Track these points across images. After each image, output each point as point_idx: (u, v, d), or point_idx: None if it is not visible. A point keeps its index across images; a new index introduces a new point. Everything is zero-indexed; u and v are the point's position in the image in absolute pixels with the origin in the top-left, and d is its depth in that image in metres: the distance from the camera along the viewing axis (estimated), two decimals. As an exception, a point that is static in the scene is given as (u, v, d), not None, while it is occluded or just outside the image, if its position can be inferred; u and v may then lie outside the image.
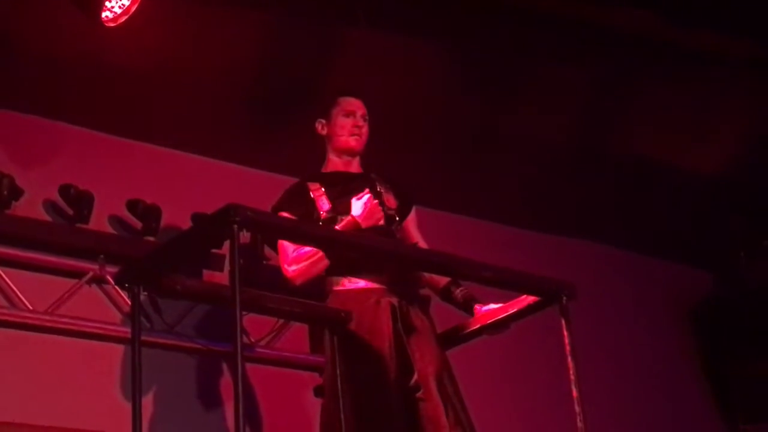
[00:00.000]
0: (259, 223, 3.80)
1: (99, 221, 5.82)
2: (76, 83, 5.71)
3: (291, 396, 6.07)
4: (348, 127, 4.58)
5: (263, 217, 3.74)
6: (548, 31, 5.91)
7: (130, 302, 4.45)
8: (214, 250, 5.66)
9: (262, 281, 5.89)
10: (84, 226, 5.73)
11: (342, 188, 4.50)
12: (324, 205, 4.44)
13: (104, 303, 5.76)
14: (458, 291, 4.43)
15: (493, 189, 6.72)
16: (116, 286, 5.53)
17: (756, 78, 6.62)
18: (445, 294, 4.47)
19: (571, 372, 4.24)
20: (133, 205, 5.91)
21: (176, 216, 5.96)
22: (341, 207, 4.43)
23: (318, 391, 5.94)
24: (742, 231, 7.93)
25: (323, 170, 4.68)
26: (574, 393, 4.19)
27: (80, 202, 5.71)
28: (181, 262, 4.85)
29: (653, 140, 6.97)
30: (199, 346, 5.87)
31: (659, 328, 8.13)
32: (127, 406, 4.16)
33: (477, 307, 4.39)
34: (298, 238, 4.55)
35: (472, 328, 4.38)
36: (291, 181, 6.65)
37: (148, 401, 5.48)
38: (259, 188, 6.33)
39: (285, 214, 4.51)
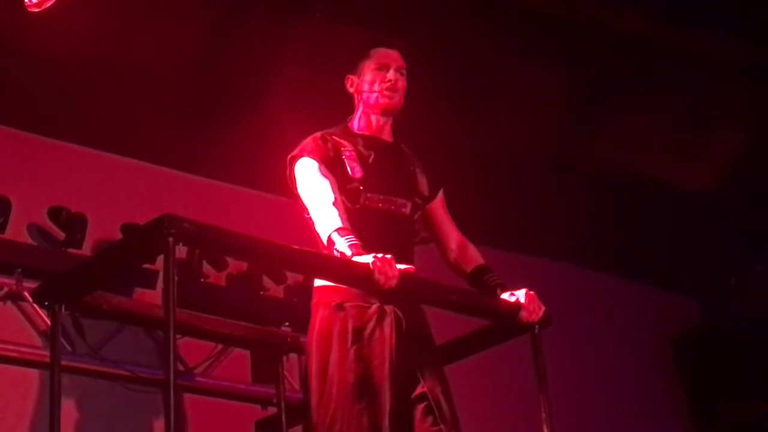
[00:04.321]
0: (197, 236, 3.74)
1: (17, 231, 5.78)
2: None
3: (231, 430, 6.05)
4: (381, 83, 4.38)
5: (202, 230, 3.70)
6: (525, 30, 5.90)
7: (49, 322, 4.39)
8: (146, 266, 5.63)
9: (199, 301, 5.91)
10: (-1, 235, 5.68)
11: (376, 158, 4.34)
12: (356, 171, 4.25)
13: (20, 322, 5.71)
14: (491, 277, 4.39)
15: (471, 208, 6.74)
16: (35, 304, 5.46)
17: (753, 85, 6.67)
18: (473, 278, 4.44)
19: (543, 404, 4.24)
20: (55, 213, 5.88)
21: (104, 226, 5.94)
22: (369, 181, 4.26)
23: (261, 426, 5.94)
24: (733, 254, 7.99)
25: (354, 129, 4.46)
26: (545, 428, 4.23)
27: (-5, 208, 5.66)
28: (108, 279, 4.80)
29: (638, 155, 6.99)
30: (127, 372, 5.83)
31: (641, 358, 8.22)
32: (44, 439, 4.10)
33: (511, 295, 4.34)
34: (247, 255, 4.54)
35: (524, 323, 4.32)
36: (232, 188, 6.71)
37: (67, 433, 5.46)
38: (198, 196, 6.36)
39: (315, 163, 4.26)
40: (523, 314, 4.23)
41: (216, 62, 6.05)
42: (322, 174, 4.24)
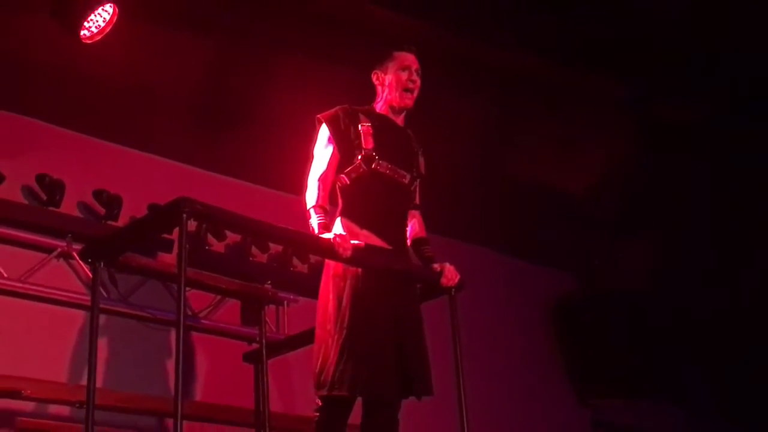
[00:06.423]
0: (205, 214, 3.80)
1: (69, 206, 5.77)
2: (54, 87, 5.64)
3: (225, 360, 6.03)
4: (403, 83, 4.23)
5: (209, 210, 3.73)
6: (442, 66, 5.84)
7: (91, 275, 4.36)
8: (165, 235, 5.62)
9: (204, 263, 5.92)
10: (56, 209, 5.67)
11: (388, 136, 4.20)
12: (369, 143, 4.11)
13: (69, 275, 5.70)
14: (426, 249, 4.34)
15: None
16: (80, 261, 5.47)
17: (617, 114, 6.67)
18: (414, 246, 4.34)
19: (456, 355, 4.27)
20: (98, 194, 5.86)
21: (135, 205, 5.91)
22: (381, 151, 4.14)
23: (247, 357, 5.94)
24: (598, 240, 7.98)
25: (376, 109, 4.30)
26: (459, 384, 4.21)
27: (53, 189, 5.66)
28: (137, 244, 4.84)
29: (531, 163, 6.91)
30: (148, 314, 5.83)
31: (527, 320, 8.14)
32: (85, 362, 4.14)
33: (435, 266, 4.28)
34: (241, 230, 4.52)
35: (444, 286, 4.25)
36: (231, 181, 6.65)
37: (102, 359, 5.46)
38: (205, 185, 6.35)
39: (327, 132, 4.16)
40: (443, 280, 4.24)
41: (222, 80, 5.99)
42: (329, 142, 4.16)
